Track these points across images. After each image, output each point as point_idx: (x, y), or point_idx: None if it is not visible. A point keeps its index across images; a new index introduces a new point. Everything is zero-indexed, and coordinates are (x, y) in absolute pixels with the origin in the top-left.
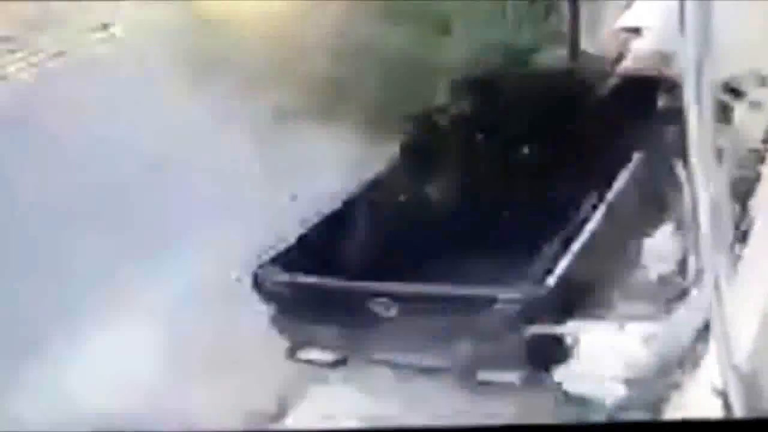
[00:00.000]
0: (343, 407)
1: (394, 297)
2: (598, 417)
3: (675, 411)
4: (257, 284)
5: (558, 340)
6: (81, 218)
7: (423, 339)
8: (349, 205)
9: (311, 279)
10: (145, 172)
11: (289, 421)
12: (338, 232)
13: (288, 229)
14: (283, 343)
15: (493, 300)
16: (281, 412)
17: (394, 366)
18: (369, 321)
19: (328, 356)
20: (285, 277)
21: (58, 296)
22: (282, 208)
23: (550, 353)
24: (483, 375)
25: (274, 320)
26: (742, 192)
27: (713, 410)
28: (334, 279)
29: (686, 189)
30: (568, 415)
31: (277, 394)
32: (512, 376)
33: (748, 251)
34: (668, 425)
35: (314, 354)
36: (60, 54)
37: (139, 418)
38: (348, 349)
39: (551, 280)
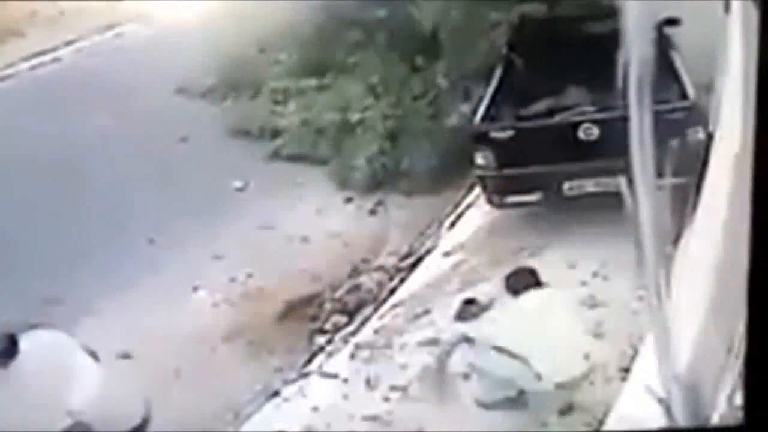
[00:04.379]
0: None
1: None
2: None
3: (617, 422)
4: (480, 136)
5: None
6: None
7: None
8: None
9: (532, 120)
10: None
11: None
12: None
13: None
14: None
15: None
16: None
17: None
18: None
19: (532, 197)
20: (509, 122)
21: None
22: None
23: None
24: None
25: (490, 171)
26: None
27: (655, 420)
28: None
29: (629, 204)
30: None
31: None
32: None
33: (686, 260)
34: None
35: (520, 197)
36: None
37: None
38: (553, 182)
39: None
